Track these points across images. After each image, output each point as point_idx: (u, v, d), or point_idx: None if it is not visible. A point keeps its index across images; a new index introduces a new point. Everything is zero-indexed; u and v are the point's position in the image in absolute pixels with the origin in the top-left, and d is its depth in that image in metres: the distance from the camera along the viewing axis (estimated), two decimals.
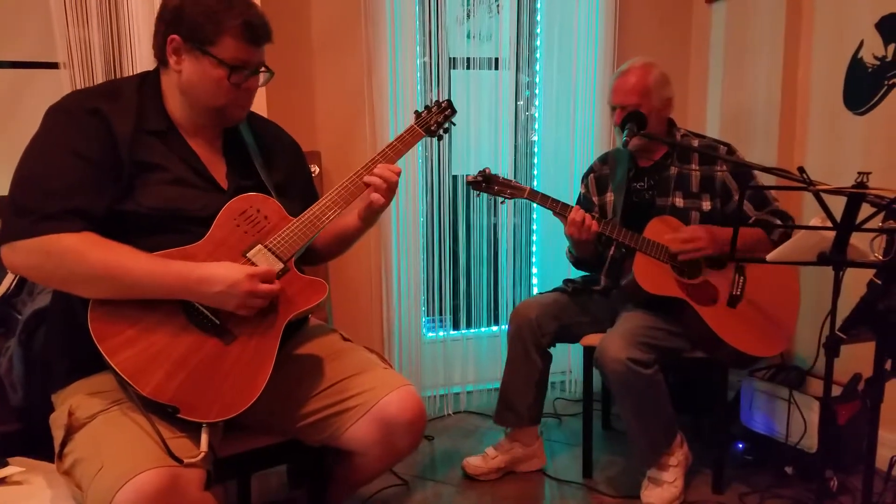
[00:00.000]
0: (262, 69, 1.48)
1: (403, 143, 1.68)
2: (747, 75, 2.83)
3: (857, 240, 1.58)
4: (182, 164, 1.44)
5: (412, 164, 2.76)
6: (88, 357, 1.28)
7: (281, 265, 1.43)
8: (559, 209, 2.14)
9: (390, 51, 2.66)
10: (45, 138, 1.35)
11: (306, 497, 1.69)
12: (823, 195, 1.51)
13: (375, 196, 1.56)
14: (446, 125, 1.83)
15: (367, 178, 1.56)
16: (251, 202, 1.46)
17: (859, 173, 1.50)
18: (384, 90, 2.68)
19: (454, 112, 1.84)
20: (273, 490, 2.20)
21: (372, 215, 1.61)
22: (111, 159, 1.35)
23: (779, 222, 2.20)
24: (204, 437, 1.28)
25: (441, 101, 1.83)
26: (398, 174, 1.59)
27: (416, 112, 1.80)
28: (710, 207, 2.25)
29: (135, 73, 2.09)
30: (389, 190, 1.57)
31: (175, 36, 1.40)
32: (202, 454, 1.25)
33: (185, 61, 1.41)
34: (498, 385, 2.41)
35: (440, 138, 1.84)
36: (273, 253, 1.44)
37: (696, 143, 2.31)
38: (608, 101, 2.32)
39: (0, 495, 1.29)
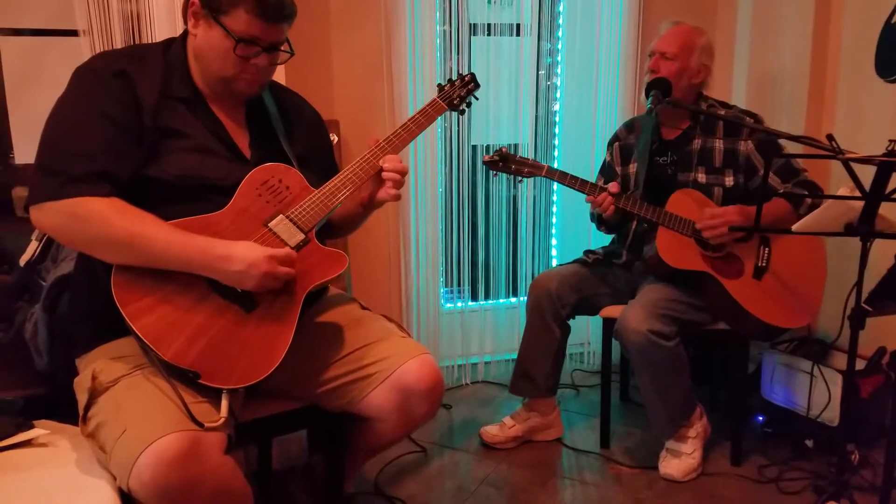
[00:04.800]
0: (283, 48, 1.46)
1: (425, 116, 1.67)
2: (775, 41, 2.75)
3: (886, 210, 1.54)
4: (206, 132, 1.44)
5: (431, 135, 2.73)
6: (111, 322, 1.30)
7: (302, 236, 1.43)
8: (587, 190, 2.14)
9: (409, 17, 2.62)
10: (72, 99, 1.35)
11: (325, 462, 1.71)
12: (852, 164, 1.48)
13: (390, 192, 1.53)
14: (469, 99, 1.81)
15: (385, 175, 1.52)
16: (273, 172, 1.46)
17: (890, 141, 1.47)
18: (403, 58, 2.64)
19: (477, 86, 1.82)
20: (293, 455, 2.23)
21: (373, 207, 1.60)
22: (136, 123, 1.35)
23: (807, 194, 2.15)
24: (224, 403, 1.29)
25: (464, 74, 1.81)
26: (405, 173, 1.56)
27: (439, 85, 1.78)
28: (732, 183, 2.20)
29: (153, 39, 2.09)
30: (397, 184, 1.55)
31: (195, 0, 1.40)
32: (223, 419, 1.26)
33: (201, 27, 1.41)
34: (515, 356, 2.40)
35: (462, 112, 1.82)
36: (294, 223, 1.44)
37: (722, 112, 2.26)
38: (648, 49, 2.28)
39: (26, 457, 1.31)
